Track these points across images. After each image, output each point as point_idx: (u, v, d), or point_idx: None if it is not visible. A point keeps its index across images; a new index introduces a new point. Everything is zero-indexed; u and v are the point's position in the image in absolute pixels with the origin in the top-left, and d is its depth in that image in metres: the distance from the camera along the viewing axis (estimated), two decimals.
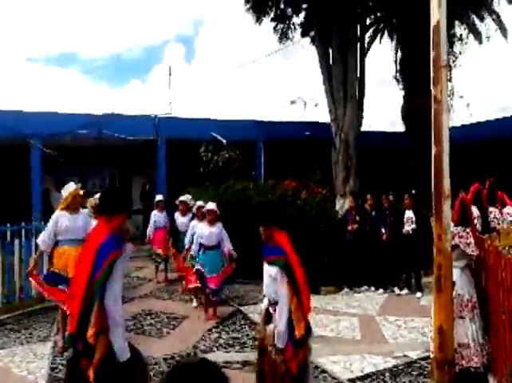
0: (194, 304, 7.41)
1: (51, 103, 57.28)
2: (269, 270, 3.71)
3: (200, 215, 7.21)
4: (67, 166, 14.61)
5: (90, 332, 2.77)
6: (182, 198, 8.87)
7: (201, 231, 6.76)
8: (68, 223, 5.56)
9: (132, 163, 17.02)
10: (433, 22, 4.84)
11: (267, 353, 3.71)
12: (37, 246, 7.47)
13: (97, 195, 6.56)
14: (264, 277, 3.89)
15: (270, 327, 3.70)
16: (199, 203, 7.63)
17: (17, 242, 7.56)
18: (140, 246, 12.27)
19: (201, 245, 6.77)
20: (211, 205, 6.81)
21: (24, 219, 8.56)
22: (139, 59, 58.67)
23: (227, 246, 6.72)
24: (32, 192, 12.96)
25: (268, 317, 3.86)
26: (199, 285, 6.82)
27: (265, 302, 3.93)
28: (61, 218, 5.59)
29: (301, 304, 3.54)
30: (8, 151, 13.50)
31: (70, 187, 5.70)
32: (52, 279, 5.50)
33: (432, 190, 4.57)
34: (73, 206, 5.69)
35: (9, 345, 5.77)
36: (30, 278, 5.80)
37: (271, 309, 3.79)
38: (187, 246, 7.26)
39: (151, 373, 4.75)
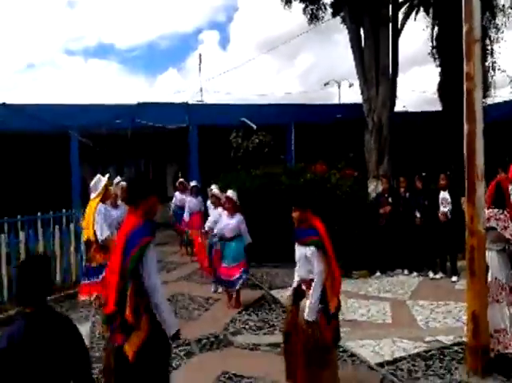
0: (212, 289, 7.36)
1: (90, 94, 59.00)
2: (304, 251, 3.86)
3: (217, 203, 7.12)
4: (104, 156, 14.99)
5: (127, 312, 2.88)
6: (214, 191, 8.27)
7: (219, 221, 6.68)
8: (113, 216, 5.83)
9: (166, 151, 17.27)
10: None
11: (298, 328, 3.79)
12: (76, 232, 7.82)
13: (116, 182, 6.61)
14: (296, 258, 4.00)
15: (304, 302, 3.84)
16: (215, 191, 7.47)
17: (58, 228, 7.90)
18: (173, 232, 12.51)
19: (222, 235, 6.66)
20: (229, 193, 6.63)
21: (64, 206, 8.91)
22: (175, 47, 59.30)
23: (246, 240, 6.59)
24: (72, 181, 13.43)
25: (296, 296, 3.98)
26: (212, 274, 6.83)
27: (296, 279, 4.02)
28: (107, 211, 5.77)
29: (334, 281, 3.78)
30: (49, 142, 14.00)
31: (102, 181, 5.79)
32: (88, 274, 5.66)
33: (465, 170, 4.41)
34: (110, 199, 5.95)
35: None
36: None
37: (303, 286, 3.91)
38: (206, 229, 7.14)
39: (182, 353, 4.90)
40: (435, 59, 14.18)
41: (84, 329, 5.79)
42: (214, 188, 7.85)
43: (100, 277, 5.40)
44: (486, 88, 13.45)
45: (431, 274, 7.92)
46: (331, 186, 8.70)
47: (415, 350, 4.83)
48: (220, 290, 7.27)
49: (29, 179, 14.75)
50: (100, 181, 5.79)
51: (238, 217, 6.56)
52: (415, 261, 8.15)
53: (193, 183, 10.53)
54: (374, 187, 11.23)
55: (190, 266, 9.59)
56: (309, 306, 3.70)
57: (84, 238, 5.85)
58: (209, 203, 8.88)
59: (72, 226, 8.03)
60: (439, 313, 6.01)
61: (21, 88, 54.38)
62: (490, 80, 14.13)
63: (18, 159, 14.71)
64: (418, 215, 8.03)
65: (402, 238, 8.07)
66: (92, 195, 5.78)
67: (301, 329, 3.76)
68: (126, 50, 60.22)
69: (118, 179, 7.72)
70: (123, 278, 2.92)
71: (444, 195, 7.90)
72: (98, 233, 5.54)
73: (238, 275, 6.44)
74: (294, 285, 4.06)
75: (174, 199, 11.34)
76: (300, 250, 3.92)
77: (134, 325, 2.87)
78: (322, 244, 3.77)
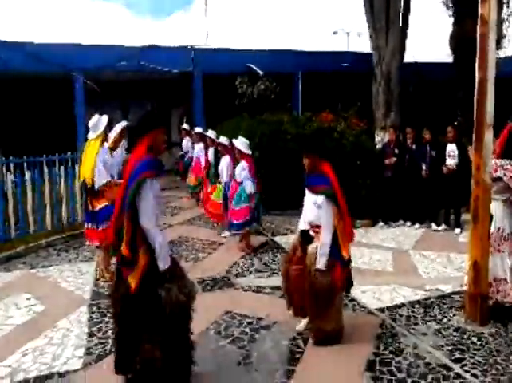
0: (224, 234, 7.45)
1: (96, 37, 57.15)
2: (314, 198, 3.85)
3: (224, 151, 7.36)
4: (109, 100, 14.74)
5: (123, 245, 2.96)
6: (220, 140, 7.87)
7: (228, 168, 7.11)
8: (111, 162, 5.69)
9: (171, 96, 16.98)
10: None
11: (305, 269, 3.85)
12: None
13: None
14: (305, 203, 4.01)
15: (312, 246, 3.86)
16: (221, 139, 7.58)
17: (63, 169, 7.93)
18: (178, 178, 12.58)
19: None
20: (238, 141, 6.68)
21: (69, 149, 8.91)
22: None
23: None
24: (76, 123, 13.29)
25: (304, 238, 4.00)
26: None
27: (302, 224, 4.03)
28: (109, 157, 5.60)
29: (345, 229, 3.78)
30: (53, 84, 13.74)
31: (102, 121, 5.52)
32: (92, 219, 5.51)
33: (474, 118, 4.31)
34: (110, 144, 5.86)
35: (58, 263, 6.25)
36: None
37: (311, 231, 3.93)
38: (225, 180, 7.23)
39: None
40: (447, 7, 13.57)
41: (90, 269, 5.95)
42: (212, 135, 8.42)
43: (105, 223, 5.26)
44: (500, 39, 12.94)
45: (433, 226, 7.98)
46: (337, 135, 8.59)
47: (415, 298, 4.93)
48: (226, 234, 7.36)
49: (35, 122, 14.64)
50: (100, 121, 5.52)
51: (242, 163, 6.56)
52: (419, 213, 8.16)
53: (196, 130, 10.58)
54: (381, 139, 11.09)
55: (195, 210, 9.68)
56: (319, 256, 3.72)
57: (80, 180, 5.66)
58: (211, 151, 8.84)
59: (77, 168, 8.05)
60: (439, 263, 6.10)
61: (24, 29, 52.69)
62: (504, 32, 13.59)
63: (24, 102, 14.52)
64: (424, 167, 7.97)
65: (407, 190, 8.04)
66: (92, 135, 5.49)
67: (309, 273, 3.80)
68: None
69: (124, 123, 7.61)
70: (123, 209, 2.99)
71: (451, 147, 7.80)
72: (96, 178, 5.26)
73: (240, 221, 6.48)
74: (302, 227, 4.05)
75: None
76: (310, 197, 3.92)
77: (132, 258, 2.92)
78: (332, 193, 3.74)
